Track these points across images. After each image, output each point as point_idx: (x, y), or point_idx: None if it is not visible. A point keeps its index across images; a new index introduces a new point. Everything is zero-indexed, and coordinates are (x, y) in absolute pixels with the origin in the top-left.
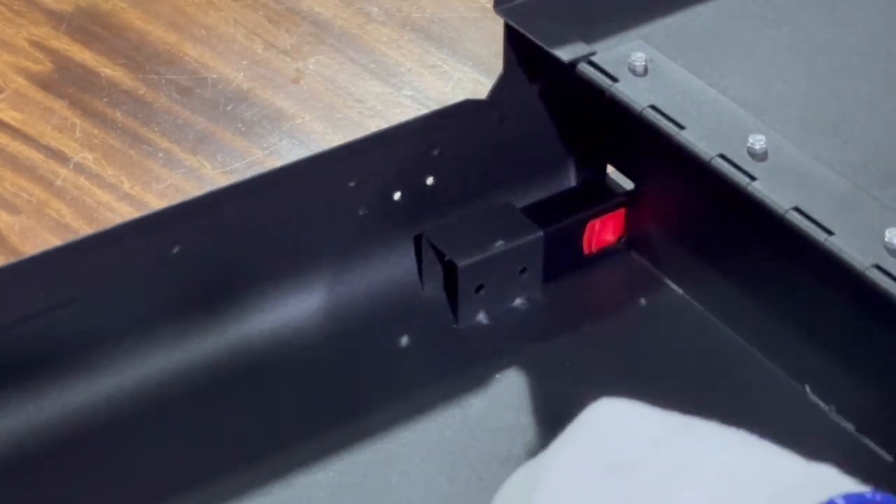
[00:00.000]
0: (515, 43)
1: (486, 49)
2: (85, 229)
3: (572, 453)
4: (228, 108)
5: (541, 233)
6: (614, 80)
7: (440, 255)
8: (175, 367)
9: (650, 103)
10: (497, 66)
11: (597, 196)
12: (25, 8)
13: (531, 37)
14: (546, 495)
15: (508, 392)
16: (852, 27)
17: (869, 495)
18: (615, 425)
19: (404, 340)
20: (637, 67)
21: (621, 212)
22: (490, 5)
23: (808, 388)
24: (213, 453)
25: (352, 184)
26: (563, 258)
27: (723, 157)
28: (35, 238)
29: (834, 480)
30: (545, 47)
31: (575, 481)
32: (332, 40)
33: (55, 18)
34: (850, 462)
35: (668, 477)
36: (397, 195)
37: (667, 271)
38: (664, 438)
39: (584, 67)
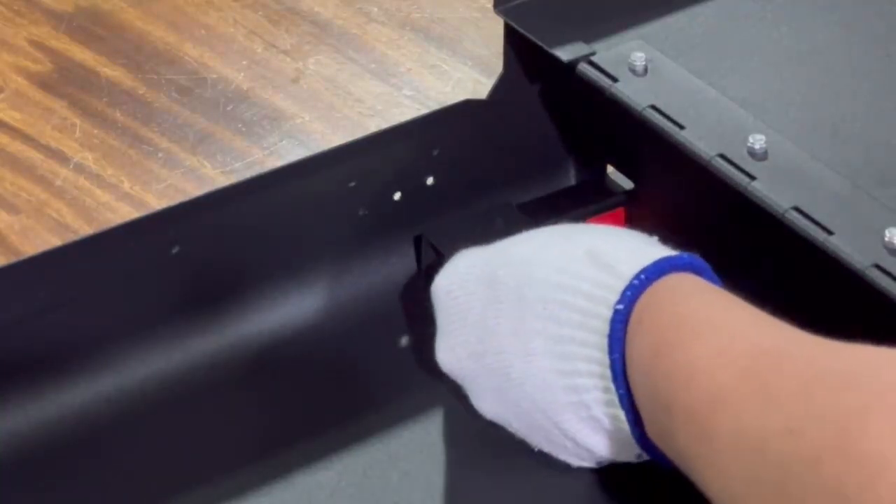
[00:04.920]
0: (515, 43)
1: (486, 49)
2: (85, 229)
3: None
4: (228, 108)
5: None
6: (614, 80)
7: (440, 255)
8: (175, 367)
9: (650, 103)
10: (497, 66)
11: (596, 195)
12: (25, 8)
13: (531, 37)
14: None
15: None
16: (852, 27)
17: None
18: None
19: (404, 340)
20: (637, 67)
21: (620, 211)
22: (490, 5)
23: None
24: (213, 453)
25: (352, 184)
26: None
27: (723, 156)
28: (35, 238)
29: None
30: (545, 47)
31: None
32: (332, 40)
33: (55, 18)
34: None
35: None
36: (397, 195)
37: None
38: None
39: (584, 67)
